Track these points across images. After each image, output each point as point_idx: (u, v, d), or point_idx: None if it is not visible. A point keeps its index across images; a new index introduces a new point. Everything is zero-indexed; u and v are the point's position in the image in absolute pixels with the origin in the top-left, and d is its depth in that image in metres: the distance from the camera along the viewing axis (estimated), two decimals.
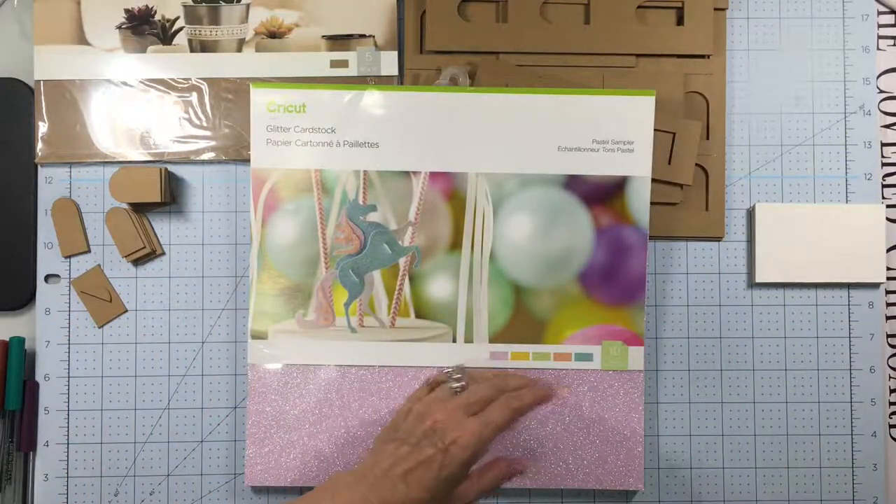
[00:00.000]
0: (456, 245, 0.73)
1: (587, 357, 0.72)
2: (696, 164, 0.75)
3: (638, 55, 0.76)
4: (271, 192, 0.72)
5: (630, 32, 0.75)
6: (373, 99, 0.71)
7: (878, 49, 0.78)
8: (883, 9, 0.79)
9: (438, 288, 0.73)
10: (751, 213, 0.77)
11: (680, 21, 0.76)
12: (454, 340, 0.72)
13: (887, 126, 0.78)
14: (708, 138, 0.76)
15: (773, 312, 0.77)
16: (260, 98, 0.72)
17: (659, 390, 0.76)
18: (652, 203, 0.73)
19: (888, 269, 0.77)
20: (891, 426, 0.77)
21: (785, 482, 0.76)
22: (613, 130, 0.72)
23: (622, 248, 0.72)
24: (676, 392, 0.76)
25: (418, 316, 0.73)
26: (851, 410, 0.76)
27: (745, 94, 0.78)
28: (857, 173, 0.77)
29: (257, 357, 0.72)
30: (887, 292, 0.78)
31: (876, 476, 0.76)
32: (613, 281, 0.72)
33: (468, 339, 0.72)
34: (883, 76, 0.78)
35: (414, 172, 0.72)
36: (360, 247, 0.72)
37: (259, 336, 0.72)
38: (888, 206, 0.77)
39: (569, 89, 0.73)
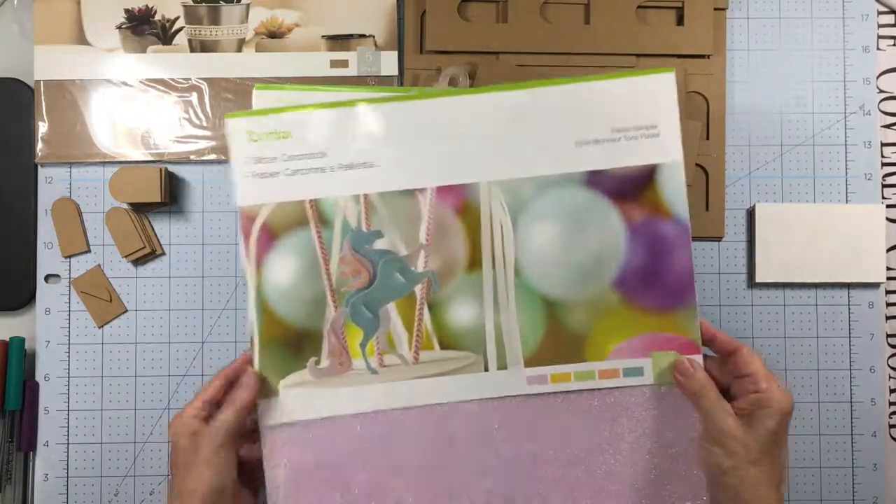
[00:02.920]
0: (475, 263, 0.64)
1: (637, 371, 0.63)
2: (696, 164, 0.75)
3: (638, 55, 0.76)
4: (263, 230, 0.63)
5: (630, 32, 0.75)
6: (364, 114, 0.63)
7: (878, 49, 0.78)
8: (883, 9, 0.79)
9: (462, 313, 0.64)
10: (751, 213, 0.77)
11: (680, 21, 0.76)
12: (486, 369, 0.64)
13: (887, 126, 0.78)
14: (708, 138, 0.76)
15: (773, 312, 0.77)
16: (238, 128, 0.63)
17: None
18: None
19: (888, 269, 0.77)
20: (891, 426, 0.77)
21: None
22: (633, 116, 0.62)
23: (661, 244, 0.63)
24: None
25: (443, 347, 0.64)
26: (851, 410, 0.76)
27: (745, 94, 0.78)
28: (857, 173, 0.77)
29: (269, 419, 0.63)
30: (887, 292, 0.78)
31: (876, 476, 0.76)
32: (655, 282, 0.63)
33: (501, 366, 0.64)
34: (883, 76, 0.78)
35: (419, 189, 0.63)
36: (369, 279, 0.64)
37: (269, 395, 0.63)
38: (888, 206, 0.77)
39: (578, 77, 0.63)
